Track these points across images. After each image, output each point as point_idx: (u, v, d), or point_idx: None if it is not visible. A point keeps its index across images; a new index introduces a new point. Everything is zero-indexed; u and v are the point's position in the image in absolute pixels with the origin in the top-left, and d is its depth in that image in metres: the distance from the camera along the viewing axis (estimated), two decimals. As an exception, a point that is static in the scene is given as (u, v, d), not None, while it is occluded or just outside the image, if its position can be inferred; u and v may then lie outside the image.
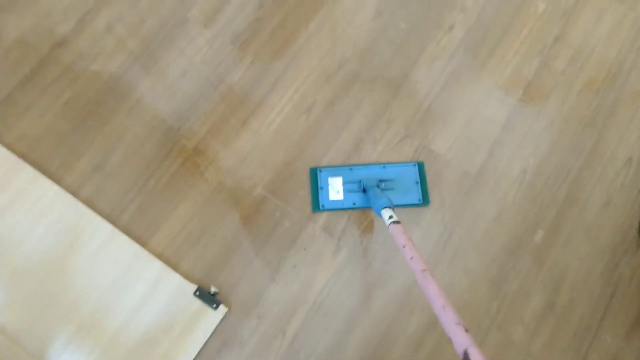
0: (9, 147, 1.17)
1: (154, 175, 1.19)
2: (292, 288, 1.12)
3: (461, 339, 0.53)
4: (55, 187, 1.15)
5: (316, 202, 1.14)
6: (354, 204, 1.15)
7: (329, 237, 1.16)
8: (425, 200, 1.17)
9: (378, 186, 1.14)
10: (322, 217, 1.17)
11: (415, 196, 1.17)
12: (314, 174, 1.18)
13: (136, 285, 1.09)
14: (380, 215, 0.97)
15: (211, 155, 1.21)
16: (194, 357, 1.06)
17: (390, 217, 0.92)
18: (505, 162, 1.23)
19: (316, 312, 1.11)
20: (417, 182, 1.17)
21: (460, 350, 0.52)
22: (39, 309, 1.07)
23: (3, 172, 1.14)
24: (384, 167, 1.18)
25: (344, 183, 1.16)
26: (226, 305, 1.09)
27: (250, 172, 1.20)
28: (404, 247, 0.81)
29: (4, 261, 1.09)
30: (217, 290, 1.10)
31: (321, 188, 1.16)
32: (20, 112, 1.22)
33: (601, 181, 1.22)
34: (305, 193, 1.19)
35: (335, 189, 1.14)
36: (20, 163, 1.16)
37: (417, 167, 1.19)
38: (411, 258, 0.75)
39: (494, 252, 1.15)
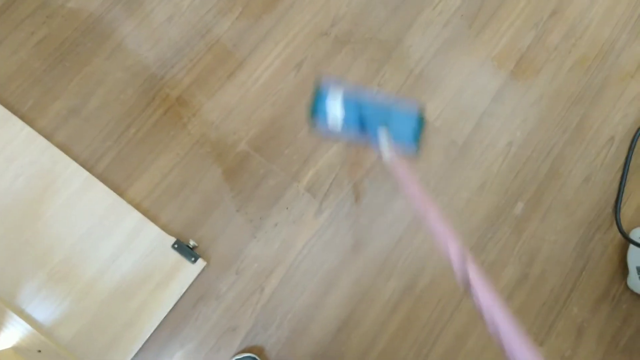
0: (-22, 83, 1.14)
1: (134, 123, 1.19)
2: (273, 246, 1.16)
3: (459, 259, 0.55)
4: (28, 129, 1.13)
5: (314, 115, 1.13)
6: (347, 127, 1.14)
7: (312, 198, 1.19)
8: (417, 150, 1.19)
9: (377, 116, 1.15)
10: (307, 178, 1.20)
11: (409, 143, 1.18)
12: (318, 87, 1.16)
13: (112, 235, 1.11)
14: (378, 140, 0.98)
15: (195, 107, 1.21)
16: (169, 309, 1.09)
17: (387, 141, 0.94)
18: (492, 134, 1.28)
19: (295, 271, 1.15)
20: (413, 130, 1.18)
21: (456, 265, 0.55)
22: (9, 254, 1.07)
23: (-28, 110, 1.12)
24: (387, 104, 1.19)
25: (344, 105, 1.15)
26: (205, 259, 1.12)
27: (234, 126, 1.21)
28: (402, 175, 0.82)
29: (-28, 203, 1.08)
30: (196, 244, 1.12)
31: (320, 103, 1.15)
32: (-9, 47, 1.18)
33: (583, 158, 1.28)
34: (291, 151, 1.21)
35: (334, 108, 1.13)
36: (-9, 101, 1.13)
37: (418, 119, 1.19)
38: (410, 187, 0.78)
39: (475, 222, 1.21)
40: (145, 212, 1.12)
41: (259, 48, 1.27)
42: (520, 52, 1.34)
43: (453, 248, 0.59)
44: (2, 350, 0.99)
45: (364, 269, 1.16)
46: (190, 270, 1.10)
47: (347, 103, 1.08)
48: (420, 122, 1.13)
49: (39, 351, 1.00)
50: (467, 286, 0.53)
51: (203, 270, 1.11)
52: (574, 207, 1.24)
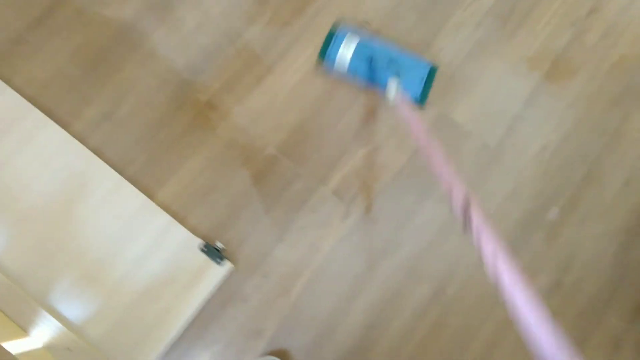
0: (18, 90, 1.20)
1: (164, 127, 1.21)
2: (299, 249, 1.16)
3: (460, 195, 0.54)
4: (64, 133, 1.18)
5: (324, 51, 1.15)
6: (356, 72, 1.16)
7: (339, 201, 1.19)
8: (422, 99, 1.20)
9: (387, 64, 1.16)
10: (334, 181, 1.20)
11: (415, 91, 1.19)
12: (334, 28, 1.18)
13: (141, 236, 1.13)
14: (386, 88, 0.99)
15: (224, 111, 1.23)
16: (196, 310, 1.10)
17: (396, 87, 0.94)
18: (525, 138, 1.25)
19: (322, 275, 1.15)
20: (422, 80, 1.19)
21: (459, 207, 0.54)
22: (43, 254, 1.11)
23: (12, 115, 1.17)
24: (400, 52, 1.20)
25: (356, 47, 1.16)
26: (232, 261, 1.13)
27: (262, 130, 1.23)
28: (409, 120, 0.82)
29: (11, 204, 1.13)
30: (224, 246, 1.13)
31: (334, 42, 1.16)
32: (30, 54, 1.23)
33: (622, 162, 1.23)
34: (318, 155, 1.21)
35: (346, 49, 1.14)
36: (29, 107, 1.18)
37: (429, 68, 1.20)
38: (416, 131, 0.77)
39: (507, 226, 1.18)
40: (173, 214, 1.15)
41: (288, 53, 1.28)
42: (556, 53, 1.31)
43: (456, 190, 0.58)
44: (34, 349, 1.02)
45: (392, 275, 1.15)
46: (218, 272, 1.11)
47: (360, 49, 1.08)
48: (431, 74, 1.12)
49: (69, 349, 1.03)
50: (467, 225, 0.52)
51: (230, 272, 1.12)
52: (613, 212, 1.19)
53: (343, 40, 1.12)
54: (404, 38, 1.30)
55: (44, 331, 1.03)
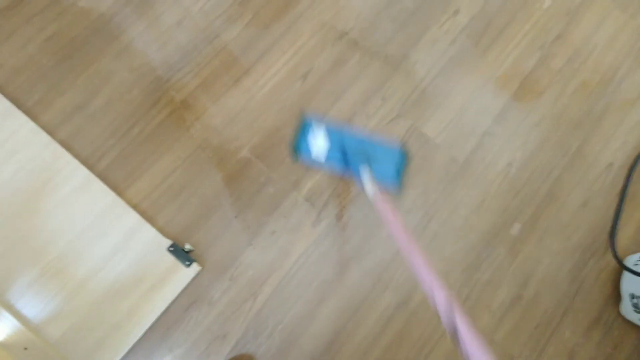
0: (-15, 75, 1.15)
1: (137, 123, 1.20)
2: (269, 254, 1.16)
3: (448, 311, 0.55)
4: (31, 124, 1.14)
5: (297, 148, 1.15)
6: (329, 161, 1.16)
7: (310, 207, 1.20)
8: (399, 187, 1.20)
9: (360, 153, 1.16)
10: (306, 187, 1.21)
11: (391, 178, 1.19)
12: (302, 119, 1.18)
13: (109, 234, 1.11)
14: (359, 176, 1.00)
15: (199, 111, 1.23)
16: (161, 312, 1.09)
17: (369, 179, 0.95)
18: (493, 154, 1.29)
19: (290, 280, 1.16)
20: (396, 168, 1.20)
21: (447, 325, 0.55)
22: (3, 247, 1.07)
23: (-24, 101, 1.13)
24: (369, 140, 1.20)
25: (328, 139, 1.17)
26: (200, 264, 1.13)
27: (237, 132, 1.22)
28: (385, 214, 0.83)
29: (-30, 194, 1.09)
30: (192, 248, 1.13)
31: (303, 135, 1.17)
32: (1, 40, 1.19)
33: (582, 183, 1.29)
34: (290, 161, 1.22)
35: (318, 141, 1.15)
36: (-4, 94, 1.14)
37: (399, 155, 1.20)
38: (393, 227, 0.78)
39: (472, 241, 1.22)
40: (143, 213, 1.13)
41: (266, 56, 1.29)
42: (524, 74, 1.36)
43: (439, 295, 0.58)
44: (-10, 345, 0.99)
45: (359, 282, 1.17)
46: (185, 274, 1.10)
47: (330, 138, 1.11)
48: (403, 160, 1.15)
49: (25, 348, 1.00)
50: (454, 333, 0.53)
51: (197, 274, 1.11)
52: (570, 231, 1.25)
53: (310, 132, 1.13)
54: (381, 48, 1.32)
55: (0, 329, 1.00)
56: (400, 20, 1.36)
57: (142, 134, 1.18)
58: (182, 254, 1.10)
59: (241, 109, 1.24)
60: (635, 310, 1.13)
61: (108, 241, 1.09)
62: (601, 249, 1.24)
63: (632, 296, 1.13)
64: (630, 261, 1.18)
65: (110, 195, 1.11)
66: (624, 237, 1.25)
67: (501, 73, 1.36)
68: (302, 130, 1.14)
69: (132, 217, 1.11)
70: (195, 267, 1.10)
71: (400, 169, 1.19)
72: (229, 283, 1.13)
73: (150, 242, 1.10)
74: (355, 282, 1.16)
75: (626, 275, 1.19)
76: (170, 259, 1.10)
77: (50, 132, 1.14)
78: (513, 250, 1.22)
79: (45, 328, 1.03)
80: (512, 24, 1.40)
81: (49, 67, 1.19)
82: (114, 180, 1.14)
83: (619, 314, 1.20)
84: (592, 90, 1.36)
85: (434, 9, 1.38)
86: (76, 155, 1.14)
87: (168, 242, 1.10)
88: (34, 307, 1.04)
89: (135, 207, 1.13)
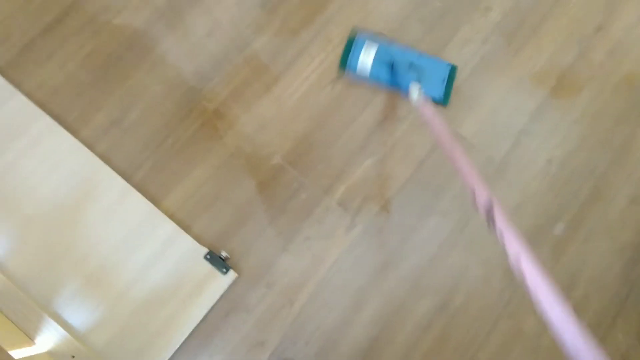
0: (28, 95, 1.22)
1: (171, 135, 1.23)
2: (303, 260, 1.17)
3: (484, 196, 0.56)
4: (72, 139, 1.19)
5: (344, 61, 1.15)
6: (378, 78, 1.17)
7: (344, 213, 1.20)
8: (445, 100, 1.21)
9: (408, 68, 1.17)
10: (339, 192, 1.21)
11: (438, 92, 1.21)
12: (352, 35, 1.19)
13: (147, 244, 1.14)
14: (408, 92, 1.00)
15: (231, 120, 1.25)
16: (200, 320, 1.11)
17: (417, 89, 0.96)
18: (530, 152, 1.26)
19: (325, 286, 1.16)
20: (443, 80, 1.21)
21: (483, 208, 0.56)
22: (47, 259, 1.12)
23: (21, 120, 1.19)
24: (419, 54, 1.21)
25: (376, 53, 1.18)
26: (236, 271, 1.14)
27: (269, 139, 1.24)
28: (432, 121, 0.83)
29: (16, 208, 1.14)
30: (228, 256, 1.15)
31: (354, 50, 1.18)
32: (41, 60, 1.26)
33: (629, 179, 1.24)
34: (324, 166, 1.23)
35: (367, 55, 1.15)
36: (38, 112, 1.20)
37: (449, 68, 1.22)
38: (438, 132, 0.79)
39: (512, 241, 1.19)
40: (179, 222, 1.16)
41: (296, 63, 1.31)
42: (562, 70, 1.33)
43: (479, 191, 0.60)
44: (38, 354, 1.03)
45: (396, 287, 1.16)
46: (222, 281, 1.12)
47: (380, 55, 1.10)
48: (452, 73, 1.14)
49: (73, 357, 1.04)
50: (491, 229, 0.54)
51: (234, 282, 1.13)
52: (618, 229, 1.20)
53: (362, 47, 1.14)
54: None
55: (48, 338, 1.04)
56: (429, 21, 1.36)
57: (176, 144, 1.22)
58: (218, 261, 1.12)
59: (272, 116, 1.26)
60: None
61: (146, 250, 1.13)
62: (654, 247, 1.19)
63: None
64: (685, 260, 1.13)
65: (147, 205, 1.15)
66: (677, 235, 1.20)
67: (537, 70, 1.33)
68: (351, 46, 1.14)
69: (169, 227, 1.14)
70: (232, 274, 1.12)
71: (449, 83, 1.18)
72: (265, 290, 1.14)
73: (187, 250, 1.13)
74: (391, 287, 1.16)
75: (682, 274, 1.13)
76: (207, 266, 1.12)
77: (90, 146, 1.19)
78: (557, 251, 1.18)
79: (90, 336, 1.07)
80: (547, 18, 1.37)
81: (87, 84, 1.24)
82: (151, 191, 1.18)
83: (676, 317, 1.15)
84: (637, 83, 1.32)
85: (464, 8, 1.37)
86: (114, 168, 1.18)
87: (204, 250, 1.13)
88: (79, 316, 1.08)
89: (171, 216, 1.16)
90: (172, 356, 1.08)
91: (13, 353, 0.95)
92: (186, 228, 1.16)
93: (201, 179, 1.21)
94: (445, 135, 0.76)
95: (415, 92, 0.97)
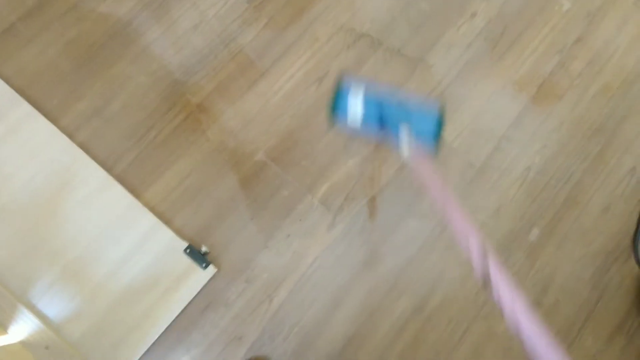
0: (7, 80, 1.20)
1: (154, 127, 1.23)
2: (284, 257, 1.18)
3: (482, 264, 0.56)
4: (51, 127, 1.18)
5: (334, 109, 1.11)
6: (366, 123, 1.12)
7: (326, 211, 1.22)
8: (437, 147, 1.17)
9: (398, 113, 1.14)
10: (321, 190, 1.22)
11: (430, 139, 1.15)
12: (339, 83, 1.15)
13: (126, 236, 1.14)
14: (398, 137, 0.99)
15: (215, 114, 1.25)
16: (178, 313, 1.11)
17: (407, 137, 0.94)
18: (510, 158, 1.29)
19: (305, 283, 1.17)
20: (434, 127, 1.16)
21: (476, 259, 0.56)
22: (24, 249, 1.10)
23: (-1, 105, 1.17)
24: (406, 98, 1.16)
25: (364, 99, 1.13)
26: (216, 266, 1.14)
27: (253, 135, 1.25)
28: (422, 170, 0.83)
29: (-8, 196, 1.12)
30: (208, 250, 1.15)
31: (341, 99, 1.13)
32: (22, 45, 1.24)
33: (603, 187, 1.29)
34: (307, 163, 1.23)
35: (356, 104, 1.12)
36: (17, 97, 1.18)
37: (438, 114, 1.17)
38: (430, 181, 0.78)
39: (489, 244, 1.22)
40: (159, 216, 1.15)
41: (282, 59, 1.31)
42: (543, 78, 1.37)
43: (473, 241, 0.60)
44: (11, 344, 1.02)
45: (375, 286, 1.17)
46: (201, 276, 1.12)
47: (368, 100, 1.09)
48: (441, 121, 1.14)
49: (47, 347, 1.03)
50: (486, 281, 0.54)
51: (213, 276, 1.13)
52: (591, 236, 1.24)
53: (350, 93, 1.11)
54: (397, 52, 1.34)
55: (21, 328, 1.03)
56: (416, 24, 1.38)
57: (158, 137, 1.21)
58: (198, 256, 1.12)
59: (257, 113, 1.26)
60: (658, 318, 1.12)
61: (125, 243, 1.12)
62: (624, 255, 1.24)
63: (656, 303, 1.13)
64: (653, 267, 1.18)
65: (128, 197, 1.14)
66: (647, 243, 1.24)
67: (519, 77, 1.36)
68: (339, 94, 1.13)
69: (149, 219, 1.13)
70: (211, 269, 1.12)
71: (438, 130, 1.17)
72: (244, 285, 1.14)
73: (167, 244, 1.13)
74: (370, 286, 1.17)
75: (649, 281, 1.18)
76: (187, 261, 1.12)
77: (70, 135, 1.18)
78: (532, 256, 1.22)
79: (66, 328, 1.06)
80: (530, 27, 1.41)
81: (68, 72, 1.22)
82: (131, 183, 1.17)
83: (642, 322, 1.19)
84: (614, 94, 1.36)
85: (450, 12, 1.39)
86: (94, 158, 1.17)
87: (184, 244, 1.13)
88: (54, 307, 1.07)
89: (152, 209, 1.16)
90: (149, 349, 1.08)
91: (-15, 343, 0.94)
92: (167, 221, 1.16)
93: (183, 172, 1.20)
94: (436, 184, 0.75)
95: (404, 137, 0.96)
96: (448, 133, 1.29)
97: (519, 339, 0.47)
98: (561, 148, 1.31)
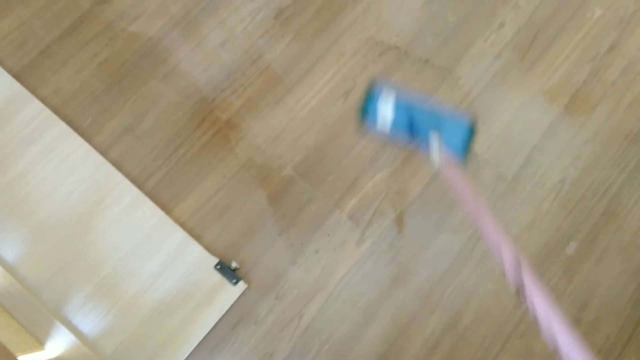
0: (44, 100, 1.24)
1: (184, 144, 1.25)
2: (313, 273, 1.18)
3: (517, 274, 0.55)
4: (86, 145, 1.21)
5: (364, 113, 1.11)
6: (396, 129, 1.11)
7: (354, 226, 1.21)
8: (466, 156, 1.15)
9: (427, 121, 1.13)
10: (349, 205, 1.22)
11: (459, 148, 1.13)
12: (371, 88, 1.15)
13: (158, 252, 1.16)
14: (428, 144, 0.98)
15: (243, 130, 1.27)
16: (209, 330, 1.12)
17: (438, 146, 0.93)
18: (543, 170, 1.27)
19: (335, 299, 1.17)
20: (464, 137, 1.15)
21: (509, 267, 0.55)
22: (59, 265, 1.13)
23: (35, 125, 1.21)
24: (437, 108, 1.15)
25: (395, 105, 1.13)
26: (246, 282, 1.15)
27: (281, 151, 1.26)
28: (453, 179, 0.82)
29: (29, 213, 1.16)
30: (238, 266, 1.16)
31: (372, 104, 1.13)
32: (57, 66, 1.28)
33: (642, 199, 1.25)
34: (333, 179, 1.24)
35: (386, 108, 1.11)
36: (53, 118, 1.22)
37: (469, 124, 1.15)
38: (462, 190, 0.77)
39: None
40: (189, 232, 1.17)
41: (309, 74, 1.32)
42: (575, 87, 1.34)
43: (506, 251, 0.59)
44: (47, 360, 1.04)
45: (405, 302, 1.16)
46: (231, 292, 1.13)
47: (399, 105, 1.09)
48: (471, 131, 1.12)
49: (81, 363, 1.05)
50: (521, 293, 0.53)
51: (243, 292, 1.14)
52: (631, 251, 1.21)
53: (381, 98, 1.11)
54: (424, 65, 1.33)
55: (57, 344, 1.05)
56: (444, 35, 1.38)
57: (188, 153, 1.23)
58: (228, 272, 1.13)
59: (284, 128, 1.27)
60: None
61: (157, 259, 1.14)
62: (666, 269, 1.19)
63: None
64: (698, 283, 1.13)
65: (159, 213, 1.16)
66: (691, 257, 1.20)
67: (550, 87, 1.34)
68: (370, 98, 1.13)
69: (180, 235, 1.15)
70: (241, 285, 1.13)
71: (469, 140, 1.16)
72: (274, 302, 1.15)
73: (197, 260, 1.14)
74: (401, 302, 1.16)
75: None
76: (217, 277, 1.13)
77: (103, 153, 1.21)
78: (569, 271, 1.19)
79: (99, 343, 1.08)
80: (561, 35, 1.39)
81: (101, 91, 1.26)
82: (162, 199, 1.19)
83: (688, 340, 1.15)
84: (651, 102, 1.32)
85: (478, 23, 1.38)
86: (126, 175, 1.20)
87: (215, 260, 1.14)
88: (88, 323, 1.10)
89: (182, 225, 1.18)
90: (180, 366, 1.09)
91: (22, 358, 0.96)
92: (197, 237, 1.18)
93: (212, 188, 1.22)
94: (468, 194, 0.75)
95: (435, 146, 0.96)
96: (478, 145, 1.28)
97: (555, 352, 0.46)
98: (596, 159, 1.28)
